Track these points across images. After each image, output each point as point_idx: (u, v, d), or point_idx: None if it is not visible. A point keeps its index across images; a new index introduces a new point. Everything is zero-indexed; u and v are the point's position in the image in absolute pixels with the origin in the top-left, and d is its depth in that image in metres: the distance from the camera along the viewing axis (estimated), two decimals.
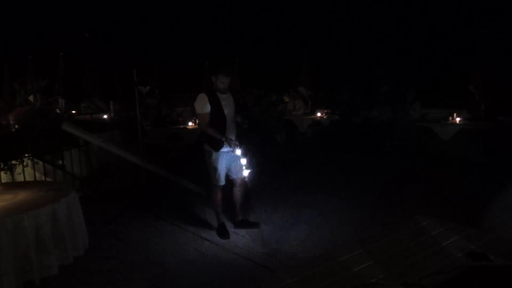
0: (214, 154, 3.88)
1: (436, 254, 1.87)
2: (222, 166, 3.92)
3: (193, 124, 8.15)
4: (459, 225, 2.38)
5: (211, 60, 15.17)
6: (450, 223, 2.40)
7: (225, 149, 3.87)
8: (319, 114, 9.86)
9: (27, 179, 5.57)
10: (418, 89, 8.69)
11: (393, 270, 1.73)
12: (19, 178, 5.51)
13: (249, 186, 4.18)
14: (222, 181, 3.98)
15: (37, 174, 5.77)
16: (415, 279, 1.60)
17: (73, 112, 13.59)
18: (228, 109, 3.93)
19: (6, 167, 5.50)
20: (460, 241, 2.02)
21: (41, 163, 6.00)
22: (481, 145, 7.41)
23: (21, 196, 2.98)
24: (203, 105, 3.84)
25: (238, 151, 3.76)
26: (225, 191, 4.13)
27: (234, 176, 4.07)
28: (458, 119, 7.76)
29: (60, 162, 6.37)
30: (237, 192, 4.19)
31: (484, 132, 7.39)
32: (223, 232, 4.02)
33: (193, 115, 8.67)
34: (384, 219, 4.33)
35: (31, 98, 13.11)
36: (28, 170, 5.84)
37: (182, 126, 8.22)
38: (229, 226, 4.17)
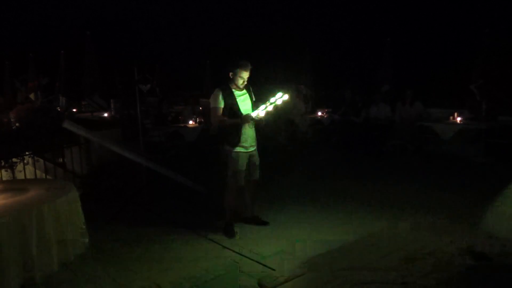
0: (234, 155, 3.86)
1: (436, 254, 1.87)
2: (242, 166, 3.91)
3: (193, 123, 8.15)
4: (459, 225, 2.39)
5: (211, 59, 15.17)
6: (450, 223, 2.41)
7: (243, 149, 3.87)
8: (319, 113, 9.87)
9: (28, 177, 5.57)
10: (419, 89, 8.69)
11: (393, 269, 1.73)
12: (20, 176, 5.51)
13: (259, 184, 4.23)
14: (241, 181, 3.97)
15: (38, 172, 5.76)
16: (415, 279, 1.61)
17: (74, 110, 13.59)
18: (245, 107, 3.90)
19: (6, 165, 5.50)
20: (459, 241, 2.03)
21: (41, 161, 6.01)
22: (482, 145, 7.41)
23: (22, 193, 2.98)
24: (216, 100, 3.83)
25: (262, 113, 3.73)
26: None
27: (248, 177, 4.07)
28: (459, 119, 7.75)
29: (61, 160, 6.37)
30: (251, 191, 4.23)
31: (485, 132, 7.39)
32: (230, 232, 4.01)
33: (193, 114, 8.67)
34: (383, 219, 4.33)
35: (32, 96, 13.10)
36: (29, 168, 5.84)
37: (182, 125, 8.22)
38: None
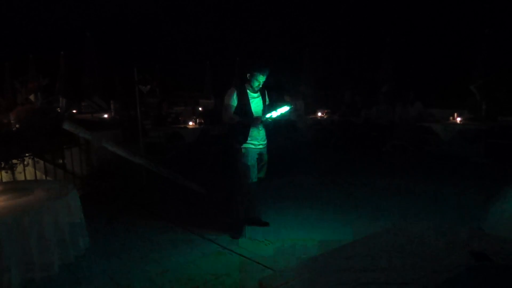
0: (244, 150, 3.89)
1: (436, 254, 1.87)
2: (252, 162, 3.93)
3: (193, 124, 8.15)
4: (459, 225, 2.39)
5: (211, 59, 15.17)
6: (450, 223, 2.41)
7: (252, 145, 3.90)
8: (319, 114, 9.87)
9: (28, 178, 5.57)
10: (419, 89, 8.69)
11: (393, 269, 1.73)
12: (20, 177, 5.52)
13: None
14: (255, 178, 3.98)
15: (38, 173, 5.76)
16: (415, 279, 1.61)
17: (74, 111, 13.58)
18: (257, 109, 3.95)
19: (7, 166, 5.50)
20: (460, 241, 2.03)
21: (41, 162, 6.01)
22: (482, 145, 7.41)
23: (23, 195, 2.98)
24: (229, 98, 3.88)
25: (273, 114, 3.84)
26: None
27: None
28: (458, 119, 7.76)
29: (61, 161, 6.37)
30: (254, 191, 4.21)
31: (485, 133, 7.39)
32: (239, 231, 3.97)
33: (193, 115, 8.68)
34: (384, 219, 4.33)
35: (31, 97, 13.10)
36: (29, 169, 5.84)
37: (182, 126, 8.22)
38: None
